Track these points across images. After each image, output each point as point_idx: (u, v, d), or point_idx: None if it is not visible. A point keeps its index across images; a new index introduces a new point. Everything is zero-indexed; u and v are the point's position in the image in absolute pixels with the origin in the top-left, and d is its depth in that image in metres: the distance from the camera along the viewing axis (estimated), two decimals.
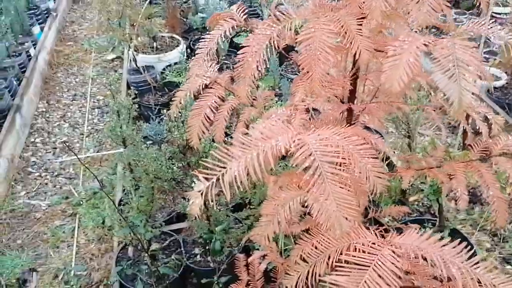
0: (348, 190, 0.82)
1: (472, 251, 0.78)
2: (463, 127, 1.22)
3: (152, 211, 2.01)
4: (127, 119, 1.77)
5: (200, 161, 1.78)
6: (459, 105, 0.72)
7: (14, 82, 3.75)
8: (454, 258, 0.72)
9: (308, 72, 0.91)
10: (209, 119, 1.17)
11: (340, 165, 0.85)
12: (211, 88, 1.22)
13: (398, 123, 2.27)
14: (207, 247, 2.25)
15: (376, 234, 0.83)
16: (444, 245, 0.74)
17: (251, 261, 1.50)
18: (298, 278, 0.84)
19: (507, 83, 3.57)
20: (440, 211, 2.00)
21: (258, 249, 1.66)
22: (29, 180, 3.30)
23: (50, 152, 3.56)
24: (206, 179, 0.84)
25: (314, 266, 0.82)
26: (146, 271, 2.22)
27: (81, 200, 3.02)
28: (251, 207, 2.09)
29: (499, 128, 1.01)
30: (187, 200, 2.10)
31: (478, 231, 2.59)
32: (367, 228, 0.89)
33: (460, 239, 2.15)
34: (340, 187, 0.80)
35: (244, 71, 1.00)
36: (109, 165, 3.22)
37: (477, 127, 1.19)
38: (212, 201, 0.82)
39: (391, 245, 0.77)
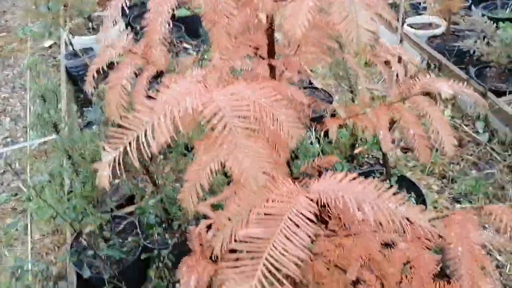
0: (263, 144, 0.80)
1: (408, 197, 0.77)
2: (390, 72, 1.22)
3: (98, 195, 1.96)
4: (55, 103, 1.69)
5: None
6: (358, 43, 0.71)
7: None
8: (365, 195, 0.72)
9: (213, 27, 0.88)
10: (127, 90, 1.12)
11: (256, 120, 0.83)
12: (127, 58, 1.17)
13: (339, 79, 2.27)
14: (163, 225, 2.23)
15: (296, 184, 0.82)
16: (357, 184, 0.73)
17: (198, 232, 1.49)
18: (223, 238, 0.82)
19: (446, 30, 3.63)
20: (385, 160, 2.04)
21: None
22: None
23: None
24: (115, 149, 0.80)
25: (237, 223, 0.81)
26: (103, 257, 2.18)
27: (31, 196, 2.91)
28: None
29: (415, 68, 1.01)
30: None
31: (427, 175, 2.67)
32: (293, 181, 0.88)
33: (408, 185, 2.21)
34: (253, 142, 0.78)
35: (150, 34, 0.95)
36: (56, 156, 3.11)
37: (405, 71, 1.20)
38: (121, 171, 0.78)
39: (307, 192, 0.76)
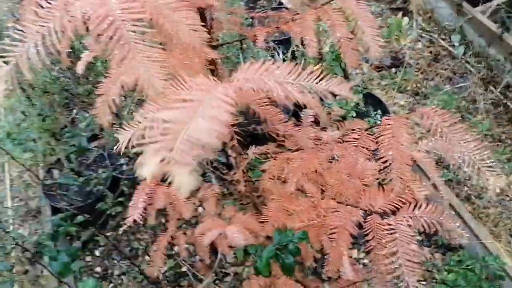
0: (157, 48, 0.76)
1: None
2: None
3: (63, 127, 1.94)
4: None
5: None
6: None
7: None
8: (287, 78, 0.69)
9: None
10: None
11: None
12: None
13: None
14: (130, 156, 2.23)
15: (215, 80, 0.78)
16: (275, 68, 0.70)
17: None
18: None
19: None
20: (345, 76, 2.00)
21: None
22: None
23: None
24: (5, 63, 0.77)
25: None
26: (75, 189, 2.20)
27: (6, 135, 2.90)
28: None
29: None
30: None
31: (400, 92, 2.63)
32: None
33: (374, 101, 2.19)
34: (146, 46, 0.74)
35: None
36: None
37: None
38: (13, 86, 0.75)
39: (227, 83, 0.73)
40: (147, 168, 0.60)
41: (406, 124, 1.03)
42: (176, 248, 2.04)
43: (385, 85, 2.71)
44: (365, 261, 1.96)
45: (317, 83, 0.72)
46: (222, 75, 1.21)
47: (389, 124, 1.03)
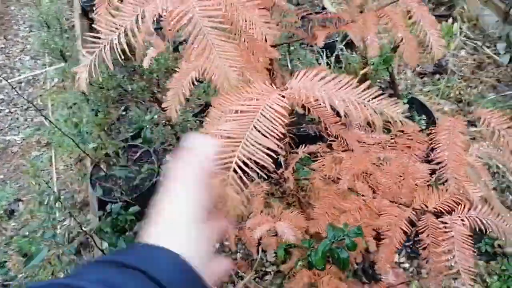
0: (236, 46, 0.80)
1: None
2: None
3: (113, 123, 2.01)
4: (59, 31, 1.71)
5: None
6: None
7: None
8: (337, 91, 0.72)
9: None
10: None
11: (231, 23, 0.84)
12: None
13: None
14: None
15: (272, 85, 0.82)
16: (329, 80, 0.73)
17: None
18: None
19: None
20: (392, 80, 2.00)
21: None
22: (0, 118, 3.29)
23: (16, 87, 3.50)
24: (91, 53, 0.82)
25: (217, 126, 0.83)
26: (121, 183, 2.28)
27: (54, 130, 3.02)
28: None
29: None
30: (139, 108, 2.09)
31: (443, 99, 2.61)
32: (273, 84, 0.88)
33: (419, 107, 2.18)
34: (223, 40, 0.78)
35: None
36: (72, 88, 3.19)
37: None
38: (98, 75, 0.81)
39: (281, 90, 0.77)
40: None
41: (463, 126, 1.04)
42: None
43: (428, 91, 2.69)
44: (406, 265, 1.95)
45: (369, 101, 0.74)
46: (277, 76, 1.25)
47: (446, 125, 1.04)
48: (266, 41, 0.85)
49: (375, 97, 0.74)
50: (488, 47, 2.87)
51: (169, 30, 0.97)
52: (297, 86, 0.78)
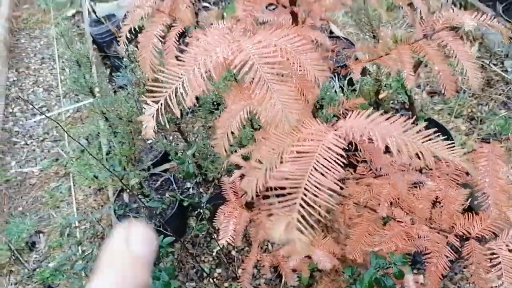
0: (292, 88, 0.85)
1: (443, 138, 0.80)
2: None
3: (136, 154, 2.06)
4: (89, 68, 1.76)
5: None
6: None
7: None
8: (390, 131, 0.76)
9: None
10: (158, 48, 1.17)
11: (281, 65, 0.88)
12: (155, 17, 1.22)
13: (361, 25, 2.25)
14: (196, 180, 2.33)
15: (324, 124, 0.86)
16: (383, 120, 0.77)
17: (232, 181, 1.56)
18: (257, 180, 0.88)
19: None
20: (410, 103, 2.05)
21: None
22: (16, 150, 3.32)
23: (30, 119, 3.55)
24: (155, 102, 0.86)
25: (270, 165, 0.86)
26: (144, 211, 2.31)
27: (71, 160, 3.06)
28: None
29: (438, 5, 1.02)
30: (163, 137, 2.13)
31: (455, 117, 2.66)
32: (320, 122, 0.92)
33: (435, 127, 2.22)
34: (282, 85, 0.82)
35: None
36: (92, 121, 3.24)
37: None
38: (164, 122, 0.85)
39: (335, 129, 0.81)
40: (276, 232, 0.68)
41: (501, 151, 1.08)
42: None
43: (439, 110, 2.75)
44: None
45: (423, 142, 0.77)
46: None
47: (484, 151, 1.08)
48: (317, 82, 0.89)
49: (429, 140, 0.78)
50: (495, 65, 2.93)
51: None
52: (348, 126, 0.82)
